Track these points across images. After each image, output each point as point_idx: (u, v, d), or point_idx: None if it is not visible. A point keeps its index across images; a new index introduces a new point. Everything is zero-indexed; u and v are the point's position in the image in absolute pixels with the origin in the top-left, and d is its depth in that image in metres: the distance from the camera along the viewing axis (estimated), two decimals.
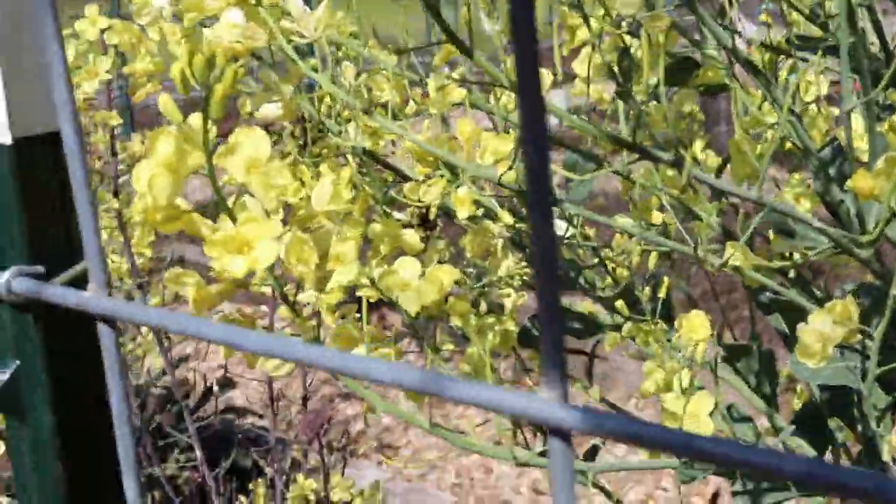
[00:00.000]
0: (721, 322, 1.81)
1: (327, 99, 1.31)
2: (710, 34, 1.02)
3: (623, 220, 1.00)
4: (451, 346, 1.26)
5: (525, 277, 1.33)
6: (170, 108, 0.77)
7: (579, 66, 1.52)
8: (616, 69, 1.30)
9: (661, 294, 1.13)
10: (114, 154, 1.33)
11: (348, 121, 1.29)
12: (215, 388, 2.68)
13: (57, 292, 0.70)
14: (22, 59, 0.74)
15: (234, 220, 0.80)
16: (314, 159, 1.38)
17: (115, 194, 1.34)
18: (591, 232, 1.26)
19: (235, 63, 0.81)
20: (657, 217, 1.55)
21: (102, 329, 0.66)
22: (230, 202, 0.81)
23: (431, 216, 1.18)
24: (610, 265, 1.12)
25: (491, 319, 1.46)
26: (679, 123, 1.36)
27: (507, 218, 1.16)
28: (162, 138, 0.76)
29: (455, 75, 1.19)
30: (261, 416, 2.55)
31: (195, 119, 0.80)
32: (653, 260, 1.13)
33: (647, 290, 1.12)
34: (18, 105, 0.75)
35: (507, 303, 1.49)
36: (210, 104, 0.77)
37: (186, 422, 1.62)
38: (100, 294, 0.65)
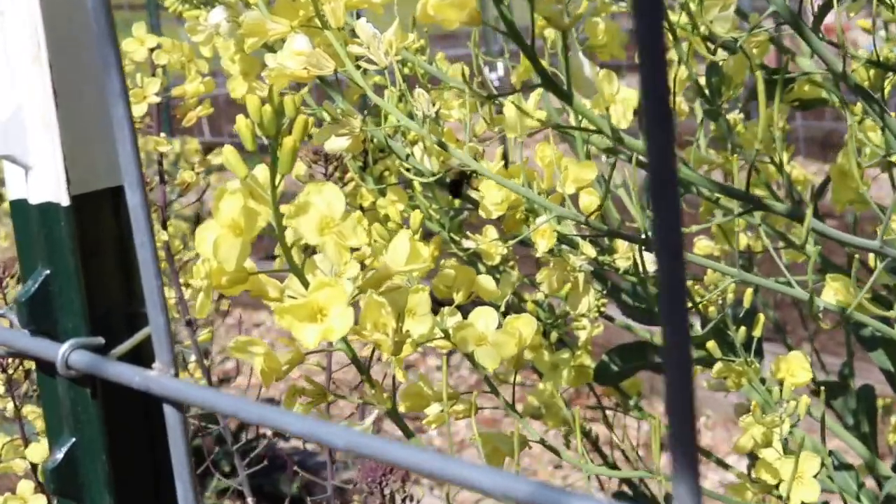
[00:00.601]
0: (811, 350, 1.77)
1: (391, 118, 1.29)
2: (817, 55, 0.99)
3: (723, 266, 0.97)
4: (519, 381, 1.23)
5: (603, 309, 1.31)
6: (233, 162, 0.76)
7: None
8: (701, 85, 1.27)
9: (757, 332, 1.10)
10: (162, 181, 1.31)
11: (414, 143, 1.27)
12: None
13: (118, 370, 0.69)
14: (82, 114, 0.72)
15: (304, 283, 0.78)
16: (377, 186, 1.36)
17: (164, 225, 1.32)
18: None
19: (301, 102, 0.79)
20: (742, 241, 1.51)
21: (169, 412, 0.64)
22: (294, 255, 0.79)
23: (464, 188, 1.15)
24: (699, 298, 1.08)
25: (566, 354, 1.44)
26: (771, 142, 1.33)
27: (590, 250, 1.13)
28: (227, 198, 0.74)
29: (533, 99, 1.17)
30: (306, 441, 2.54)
31: (261, 172, 0.78)
32: (748, 297, 1.09)
33: (741, 329, 1.08)
34: (77, 161, 0.73)
35: (582, 335, 1.47)
36: (278, 157, 0.75)
37: (228, 445, 1.61)
38: (166, 373, 0.63)
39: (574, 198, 1.09)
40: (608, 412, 1.49)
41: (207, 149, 3.11)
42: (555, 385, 1.40)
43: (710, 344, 1.09)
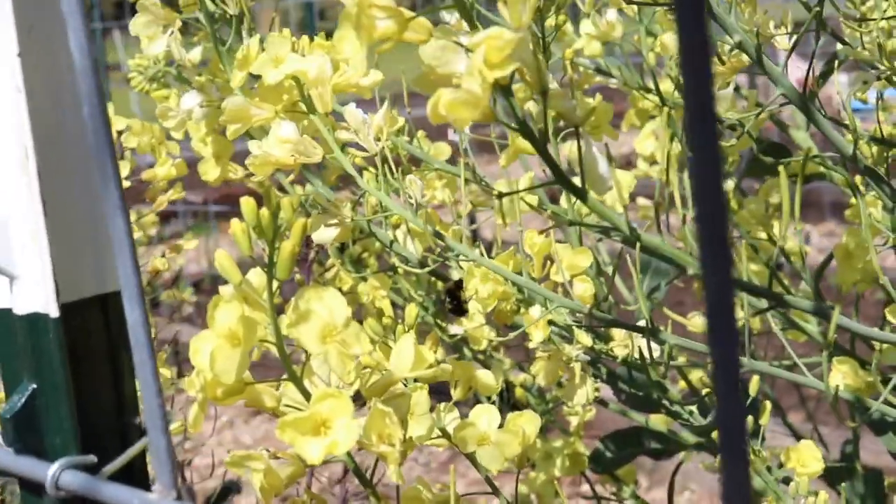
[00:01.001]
0: (812, 430, 1.78)
1: (371, 200, 1.30)
2: (827, 137, 1.01)
3: None
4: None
5: (596, 393, 1.31)
6: (227, 267, 0.76)
7: (640, 145, 1.51)
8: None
9: (764, 421, 1.11)
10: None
11: (396, 226, 1.28)
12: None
13: (114, 493, 0.69)
14: (71, 221, 0.73)
15: (304, 393, 0.78)
16: (357, 270, 1.37)
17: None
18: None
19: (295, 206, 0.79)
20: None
21: None
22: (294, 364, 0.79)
23: (466, 296, 1.16)
24: (702, 388, 1.09)
25: (558, 442, 1.44)
26: (767, 217, 1.35)
27: (586, 340, 1.14)
28: (222, 307, 0.75)
29: (524, 183, 1.18)
30: None
31: (255, 278, 0.79)
32: (754, 385, 1.10)
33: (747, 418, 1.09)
34: (65, 270, 0.73)
35: (574, 420, 1.48)
36: (276, 263, 0.75)
37: None
38: (167, 497, 0.63)
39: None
40: (604, 502, 1.49)
41: (163, 217, 3.11)
42: (549, 474, 1.40)
43: (716, 433, 1.10)
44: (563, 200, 1.24)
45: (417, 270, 1.02)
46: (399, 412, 0.80)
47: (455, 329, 1.33)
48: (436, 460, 3.59)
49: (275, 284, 0.76)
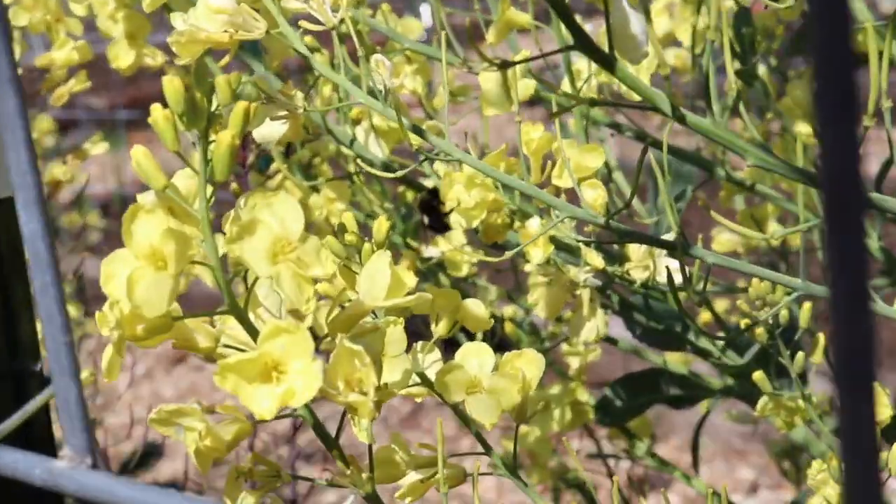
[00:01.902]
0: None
1: (325, 90, 1.23)
2: None
3: (783, 277, 0.91)
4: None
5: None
6: (147, 168, 0.69)
7: (679, 30, 1.43)
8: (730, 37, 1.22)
9: (817, 358, 1.06)
10: None
11: (357, 122, 1.21)
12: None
13: (11, 461, 0.62)
14: None
15: (249, 328, 0.71)
16: (308, 178, 1.30)
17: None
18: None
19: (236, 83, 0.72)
20: (772, 228, 1.47)
21: None
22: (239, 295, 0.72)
23: (446, 209, 1.10)
24: (741, 320, 1.04)
25: (556, 389, 1.38)
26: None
27: (597, 260, 1.08)
28: (142, 218, 0.68)
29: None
30: (200, 492, 2.46)
31: (185, 182, 0.72)
32: (805, 315, 1.05)
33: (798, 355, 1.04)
34: None
35: (574, 362, 1.42)
36: (212, 161, 0.68)
37: None
38: (80, 464, 0.56)
39: (569, 191, 1.04)
40: (611, 460, 1.44)
41: (62, 126, 3.00)
42: (544, 429, 1.35)
43: (759, 375, 1.05)
44: (565, 84, 1.17)
45: (386, 175, 0.95)
46: (371, 352, 0.73)
47: (430, 251, 1.27)
48: (395, 415, 3.55)
49: (210, 190, 0.69)
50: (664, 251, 1.06)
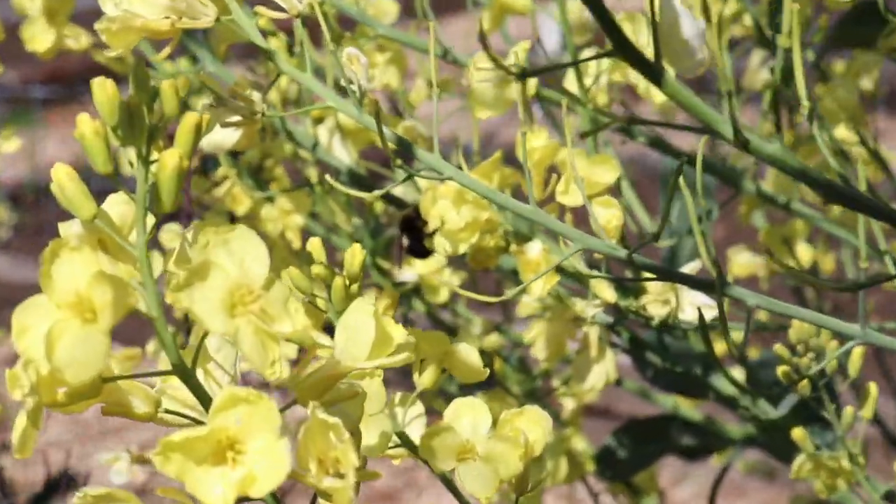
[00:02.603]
0: None
1: (282, 83, 1.17)
2: None
3: (839, 323, 0.85)
4: None
5: None
6: (72, 191, 0.63)
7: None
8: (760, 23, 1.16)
9: (868, 413, 1.01)
10: None
11: (319, 121, 1.15)
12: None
13: None
14: None
15: (199, 394, 0.64)
16: (260, 186, 1.23)
17: None
18: None
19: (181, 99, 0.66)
20: (805, 255, 1.42)
21: None
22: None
23: (429, 228, 1.05)
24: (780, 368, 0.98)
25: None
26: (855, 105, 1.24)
27: (608, 293, 1.02)
28: (65, 258, 0.62)
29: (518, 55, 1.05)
30: None
31: (119, 207, 0.65)
32: (856, 363, 0.99)
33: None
34: None
35: (568, 403, 1.36)
36: (153, 185, 0.62)
37: None
38: None
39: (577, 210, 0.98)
40: None
41: None
42: (534, 485, 1.29)
43: (799, 432, 0.99)
44: (569, 80, 1.11)
45: (360, 194, 0.89)
46: (349, 422, 0.67)
47: (406, 275, 1.21)
48: (368, 487, 3.47)
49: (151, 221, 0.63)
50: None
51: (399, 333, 0.68)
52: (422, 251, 1.08)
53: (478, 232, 0.98)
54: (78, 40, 1.20)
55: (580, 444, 1.32)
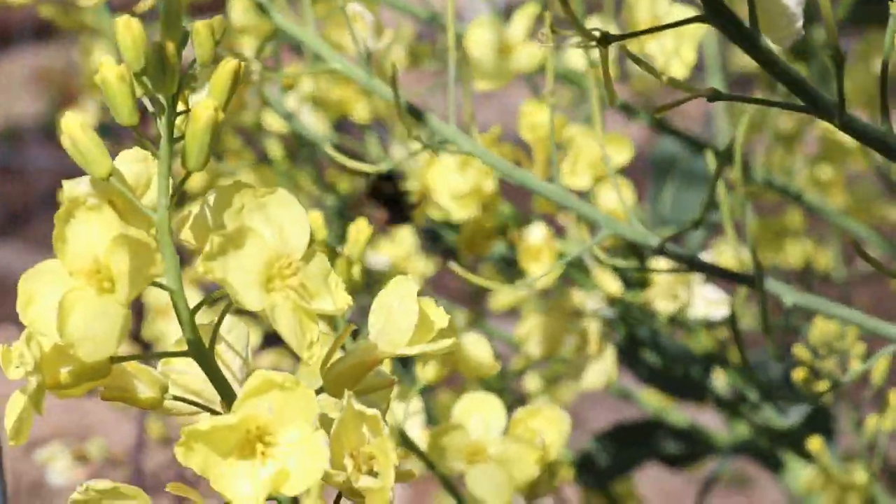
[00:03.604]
0: None
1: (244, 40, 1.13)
2: None
3: (881, 324, 0.84)
4: None
5: None
6: (86, 145, 0.60)
7: None
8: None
9: (889, 423, 0.99)
10: None
11: (289, 88, 1.12)
12: None
13: None
14: None
15: (215, 379, 0.62)
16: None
17: None
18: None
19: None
20: (798, 251, 1.41)
21: None
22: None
23: (409, 198, 1.02)
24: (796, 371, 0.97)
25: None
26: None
27: (612, 285, 1.00)
28: (82, 218, 0.59)
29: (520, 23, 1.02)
30: None
31: (133, 166, 0.61)
32: (882, 370, 0.98)
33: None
34: None
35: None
36: (180, 139, 0.60)
37: None
38: None
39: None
40: None
41: None
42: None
43: (817, 443, 0.98)
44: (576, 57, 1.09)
45: (361, 167, 0.85)
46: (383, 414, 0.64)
47: (377, 259, 1.18)
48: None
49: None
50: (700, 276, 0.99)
51: (441, 317, 0.64)
52: (398, 218, 1.04)
53: (479, 202, 0.96)
54: None
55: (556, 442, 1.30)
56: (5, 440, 0.63)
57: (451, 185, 0.96)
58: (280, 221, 0.59)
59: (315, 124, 1.17)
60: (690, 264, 0.82)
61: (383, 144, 1.26)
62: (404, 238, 1.24)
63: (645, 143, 1.29)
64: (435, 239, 1.20)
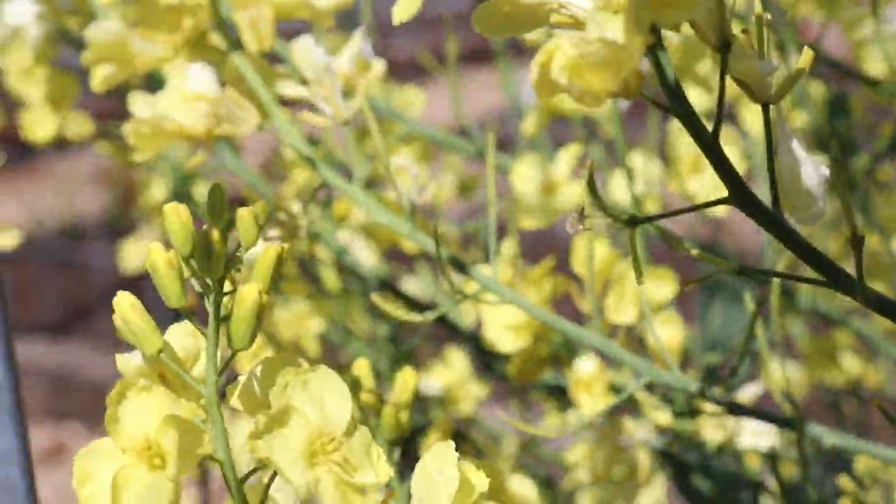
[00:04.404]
0: None
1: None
2: None
3: None
4: None
5: None
6: (137, 325, 0.63)
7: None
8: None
9: None
10: None
11: (341, 220, 1.16)
12: None
13: None
14: None
15: None
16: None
17: None
18: None
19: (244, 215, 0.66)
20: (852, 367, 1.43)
21: None
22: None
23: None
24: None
25: None
26: None
27: (662, 417, 1.03)
28: (133, 399, 0.62)
29: (564, 162, 1.06)
30: None
31: (182, 340, 0.65)
32: None
33: None
34: None
35: None
36: (225, 320, 0.62)
37: None
38: None
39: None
40: None
41: None
42: None
43: None
44: (612, 184, 1.13)
45: (419, 319, 0.89)
46: None
47: (431, 384, 1.22)
48: None
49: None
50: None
51: (481, 481, 0.68)
52: None
53: (531, 334, 0.99)
54: (81, 128, 1.21)
55: None
56: None
57: (503, 318, 0.99)
58: (322, 398, 0.63)
59: (367, 254, 1.20)
60: (730, 408, 0.85)
61: (434, 273, 1.30)
62: (457, 362, 1.28)
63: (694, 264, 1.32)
64: (488, 363, 1.23)
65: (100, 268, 3.87)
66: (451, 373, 1.27)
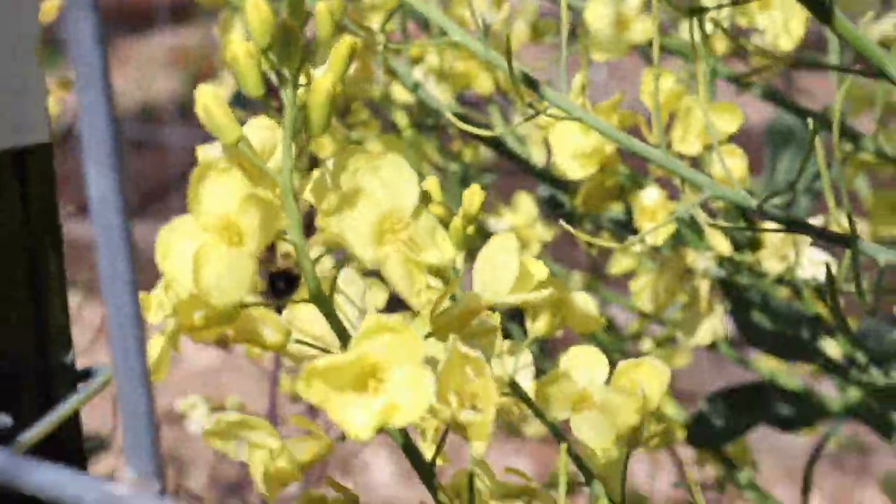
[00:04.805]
0: None
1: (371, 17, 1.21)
2: None
3: None
4: None
5: None
6: (217, 115, 0.66)
7: None
8: None
9: None
10: None
11: (416, 61, 1.19)
12: None
13: (52, 479, 0.58)
14: None
15: (335, 324, 0.69)
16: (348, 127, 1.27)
17: None
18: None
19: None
20: None
21: None
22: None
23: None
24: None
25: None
26: None
27: (724, 245, 1.06)
28: (214, 179, 0.66)
29: None
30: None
31: (259, 133, 0.69)
32: None
33: None
34: None
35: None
36: (302, 110, 0.66)
37: None
38: (147, 492, 0.53)
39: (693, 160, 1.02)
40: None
41: None
42: (619, 450, 1.33)
43: None
44: (683, 28, 1.15)
45: (480, 132, 0.92)
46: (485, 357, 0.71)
47: (500, 223, 1.25)
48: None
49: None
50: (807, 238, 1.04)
51: (540, 270, 0.72)
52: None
53: (599, 162, 1.01)
54: None
55: (670, 408, 1.36)
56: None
57: (572, 145, 1.02)
58: (391, 182, 0.66)
59: (439, 96, 1.23)
60: (787, 224, 0.88)
61: (504, 116, 1.33)
62: (524, 205, 1.31)
63: (766, 117, 1.34)
64: (555, 207, 1.26)
65: (175, 149, 3.92)
66: (518, 216, 1.30)
